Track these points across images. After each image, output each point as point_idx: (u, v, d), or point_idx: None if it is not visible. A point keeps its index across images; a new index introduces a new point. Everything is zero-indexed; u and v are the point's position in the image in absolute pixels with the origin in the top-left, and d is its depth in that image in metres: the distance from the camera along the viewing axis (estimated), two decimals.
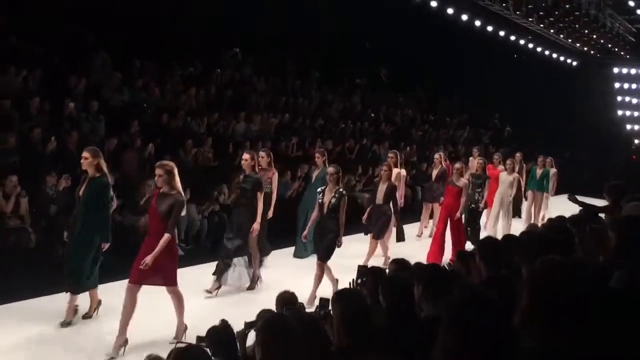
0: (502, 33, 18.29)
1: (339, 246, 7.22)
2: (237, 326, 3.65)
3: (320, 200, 7.32)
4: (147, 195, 8.90)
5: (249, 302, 6.76)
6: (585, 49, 20.85)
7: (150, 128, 10.88)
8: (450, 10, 16.14)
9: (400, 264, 4.34)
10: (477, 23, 17.06)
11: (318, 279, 7.17)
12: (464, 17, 16.58)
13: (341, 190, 7.32)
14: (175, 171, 5.79)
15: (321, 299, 3.93)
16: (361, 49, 18.40)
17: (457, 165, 9.78)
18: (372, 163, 14.19)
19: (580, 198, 8.06)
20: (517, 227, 11.50)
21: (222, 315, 4.33)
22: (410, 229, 10.86)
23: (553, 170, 13.65)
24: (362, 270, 3.95)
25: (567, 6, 15.64)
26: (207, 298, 7.19)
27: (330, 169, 7.44)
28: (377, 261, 8.57)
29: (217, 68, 14.24)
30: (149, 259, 5.44)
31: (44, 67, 10.45)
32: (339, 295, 3.37)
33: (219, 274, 7.39)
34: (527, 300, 2.27)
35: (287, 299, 4.28)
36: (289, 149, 13.03)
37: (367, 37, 18.51)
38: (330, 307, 3.69)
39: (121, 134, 10.11)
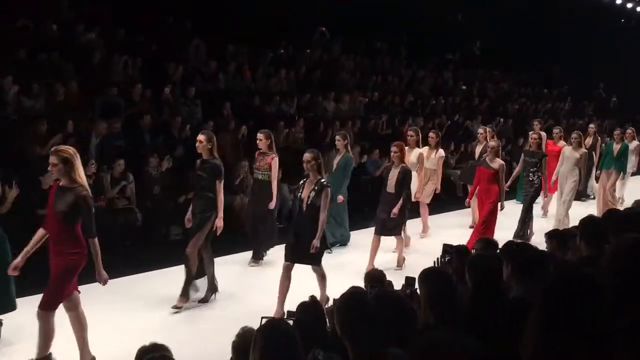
0: None
1: (315, 248, 5.83)
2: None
3: (299, 194, 6.00)
4: (241, 175, 9.29)
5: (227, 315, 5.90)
6: None
7: (244, 110, 11.24)
8: None
9: (487, 242, 4.27)
10: None
11: (322, 281, 6.11)
12: None
13: (323, 181, 5.92)
14: (77, 159, 4.58)
15: (407, 278, 3.96)
16: (451, 23, 17.87)
17: (493, 142, 8.43)
18: (465, 139, 13.88)
19: None
20: (581, 212, 9.95)
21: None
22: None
23: (635, 144, 11.81)
24: (447, 248, 3.92)
25: None
26: (174, 314, 6.05)
27: (307, 155, 5.96)
28: (382, 260, 7.52)
29: (307, 49, 14.39)
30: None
31: (144, 55, 11.04)
32: (425, 273, 3.38)
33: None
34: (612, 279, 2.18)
35: (374, 277, 4.32)
36: (378, 127, 13.01)
37: (458, 10, 17.94)
38: (416, 285, 3.71)
39: (216, 117, 10.52)
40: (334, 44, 15.21)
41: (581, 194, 11.80)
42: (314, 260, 5.99)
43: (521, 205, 9.27)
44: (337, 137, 8.46)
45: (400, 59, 16.54)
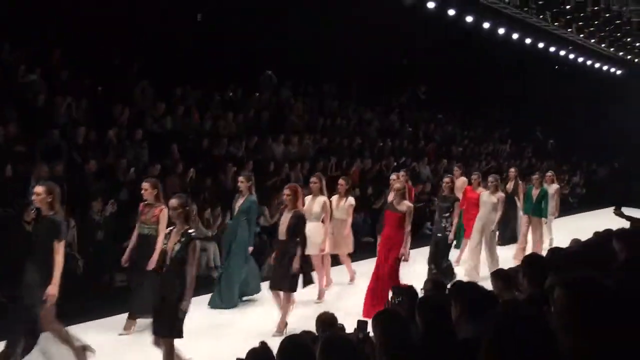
0: (541, 45, 18.05)
1: (182, 313, 5.05)
2: None
3: (164, 246, 5.23)
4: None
5: None
6: (629, 57, 20.35)
7: (192, 153, 11.13)
8: (486, 25, 16.05)
9: (435, 283, 4.30)
10: (515, 36, 16.90)
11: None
12: (501, 31, 16.46)
13: (191, 231, 5.13)
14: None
15: (359, 322, 3.92)
16: (398, 68, 18.42)
17: (397, 184, 7.77)
18: (412, 180, 14.13)
19: (629, 212, 7.79)
20: (507, 255, 10.16)
21: None
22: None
23: (554, 187, 11.81)
24: (397, 290, 3.93)
25: (607, 15, 15.32)
26: None
27: (173, 202, 5.23)
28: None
29: (255, 92, 14.49)
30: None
31: (89, 97, 10.84)
32: (379, 316, 3.36)
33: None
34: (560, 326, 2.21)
35: (326, 320, 4.26)
36: (327, 169, 13.10)
37: (403, 54, 18.53)
38: (368, 330, 3.68)
39: (164, 159, 10.37)
40: (283, 87, 15.38)
41: (510, 239, 11.82)
42: (171, 330, 5.01)
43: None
44: (240, 179, 7.68)
45: (348, 102, 16.85)
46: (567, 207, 16.82)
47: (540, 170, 14.02)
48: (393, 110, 18.10)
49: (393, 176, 9.92)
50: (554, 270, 4.01)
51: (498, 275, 4.59)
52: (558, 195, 11.85)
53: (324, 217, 7.97)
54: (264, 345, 3.76)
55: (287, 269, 6.68)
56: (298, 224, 6.76)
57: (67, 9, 11.49)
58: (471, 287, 3.89)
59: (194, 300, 5.59)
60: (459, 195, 10.17)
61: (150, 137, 10.89)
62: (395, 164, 14.62)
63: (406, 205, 7.48)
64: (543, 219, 11.00)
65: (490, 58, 18.84)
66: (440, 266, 8.47)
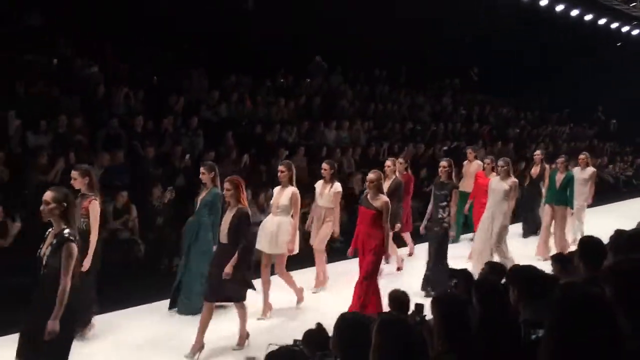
0: (602, 21, 17.35)
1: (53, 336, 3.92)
2: None
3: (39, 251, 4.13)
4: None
5: None
6: None
7: (245, 139, 11.30)
8: (543, 2, 15.53)
9: (493, 266, 4.24)
10: (575, 13, 16.30)
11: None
12: (559, 8, 15.91)
13: (66, 232, 4.04)
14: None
15: (416, 304, 3.91)
16: (450, 50, 18.07)
17: (371, 175, 6.48)
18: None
19: None
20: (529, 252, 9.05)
21: None
22: None
23: (589, 171, 10.22)
24: (453, 272, 3.89)
25: None
26: None
27: (48, 194, 4.11)
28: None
29: (306, 78, 14.55)
30: None
31: (146, 87, 11.15)
32: (439, 298, 3.33)
33: None
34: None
35: (397, 299, 4.14)
36: (379, 155, 13.06)
37: (455, 36, 18.15)
38: (425, 313, 3.67)
39: (218, 146, 10.58)
40: (334, 73, 15.37)
41: (534, 232, 10.76)
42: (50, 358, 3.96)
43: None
44: (202, 170, 6.59)
45: (399, 86, 16.69)
46: (616, 194, 16.12)
47: (600, 153, 13.23)
48: (445, 93, 17.82)
49: (388, 162, 8.46)
50: (615, 253, 3.89)
51: (557, 258, 4.49)
52: (594, 181, 10.34)
53: (293, 211, 6.77)
54: (319, 326, 3.82)
55: (232, 279, 5.56)
56: (240, 223, 5.58)
57: (125, 2, 11.82)
58: (529, 270, 3.83)
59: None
60: (471, 182, 9.54)
61: (204, 125, 11.12)
62: (445, 148, 14.37)
63: (382, 200, 6.34)
64: (569, 208, 9.52)
65: (548, 37, 18.24)
66: (437, 265, 7.29)
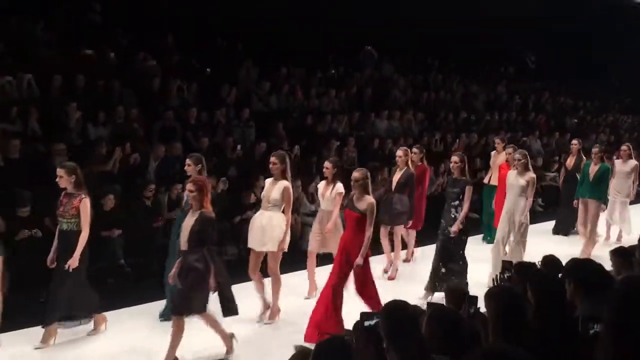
0: None
1: None
2: None
3: None
4: (295, 195, 9.33)
5: None
6: None
7: (296, 130, 11.36)
8: None
9: (550, 259, 4.12)
10: None
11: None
12: None
13: None
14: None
15: (469, 297, 3.83)
16: (504, 37, 17.61)
17: (355, 173, 5.84)
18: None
19: None
20: (567, 250, 7.71)
21: None
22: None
23: (631, 164, 9.51)
24: (507, 265, 3.79)
25: None
26: None
27: None
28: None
29: (357, 68, 14.48)
30: None
31: (199, 79, 11.35)
32: (494, 292, 3.26)
33: None
34: None
35: (455, 293, 4.03)
36: (432, 145, 12.88)
37: (508, 23, 17.67)
38: (479, 305, 3.60)
39: (269, 137, 10.67)
40: (385, 63, 15.23)
41: (565, 229, 10.12)
42: None
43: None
44: (188, 162, 6.16)
45: (452, 75, 16.39)
46: None
47: None
48: (500, 81, 17.38)
49: (399, 152, 7.88)
50: None
51: (617, 252, 4.33)
52: (637, 174, 9.63)
53: (285, 207, 6.21)
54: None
55: (189, 288, 5.11)
56: (204, 230, 5.08)
57: None
58: (586, 264, 3.71)
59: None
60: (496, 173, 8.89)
61: (256, 116, 11.23)
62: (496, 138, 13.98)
63: (367, 201, 5.72)
64: (602, 205, 8.82)
65: (607, 22, 17.50)
66: (452, 268, 6.74)
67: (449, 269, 6.73)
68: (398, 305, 2.88)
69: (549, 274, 3.48)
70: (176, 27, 11.98)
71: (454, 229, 6.67)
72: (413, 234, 8.52)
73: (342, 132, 12.05)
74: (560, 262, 4.12)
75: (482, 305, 3.38)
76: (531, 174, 7.45)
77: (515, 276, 3.69)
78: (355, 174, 5.82)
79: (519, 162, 7.41)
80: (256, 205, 7.95)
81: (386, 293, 5.69)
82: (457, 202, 6.75)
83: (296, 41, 13.36)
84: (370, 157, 11.57)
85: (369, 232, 5.70)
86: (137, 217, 8.02)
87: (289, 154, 7.00)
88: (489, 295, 3.20)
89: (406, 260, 8.48)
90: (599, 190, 8.73)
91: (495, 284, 4.12)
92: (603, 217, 9.31)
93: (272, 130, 10.98)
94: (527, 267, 3.81)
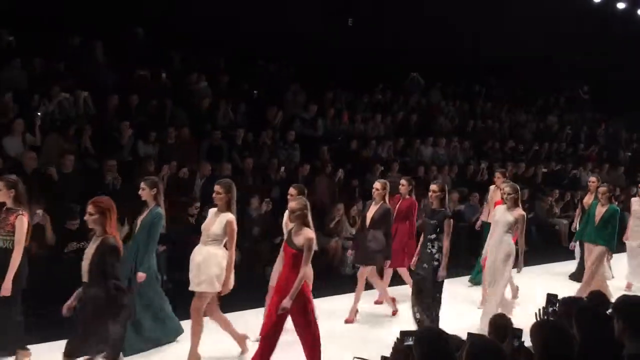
0: None
1: None
2: None
3: None
4: (337, 218, 9.35)
5: None
6: None
7: (340, 154, 11.40)
8: None
9: (597, 294, 3.97)
10: None
11: None
12: None
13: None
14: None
15: (513, 329, 3.70)
16: (556, 67, 17.31)
17: (292, 203, 5.20)
18: (571, 188, 13.26)
19: None
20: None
21: None
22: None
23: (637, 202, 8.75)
24: (552, 298, 3.68)
25: None
26: None
27: None
28: None
29: (404, 94, 14.49)
30: None
31: (247, 101, 11.56)
32: (541, 325, 3.17)
33: None
34: None
35: (499, 325, 3.92)
36: (478, 174, 12.69)
37: (561, 53, 17.39)
38: (523, 339, 3.50)
39: (313, 160, 10.74)
40: (433, 89, 15.18)
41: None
42: None
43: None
44: (142, 185, 5.81)
45: (501, 103, 16.19)
46: None
47: None
48: (551, 111, 17.06)
49: (377, 184, 7.07)
50: None
51: None
52: None
53: (227, 241, 5.60)
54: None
55: (91, 323, 4.41)
56: (104, 259, 4.37)
57: (229, 19, 12.36)
58: (637, 302, 3.56)
59: None
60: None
61: (301, 139, 11.34)
62: (544, 170, 13.64)
63: (304, 236, 5.03)
64: (608, 251, 7.85)
65: None
66: (427, 309, 6.12)
67: (425, 310, 6.14)
68: (431, 333, 2.83)
69: (596, 309, 3.35)
70: (227, 50, 12.28)
71: (441, 273, 6.09)
72: (405, 272, 7.69)
73: (387, 157, 12.03)
74: (608, 298, 3.97)
75: (526, 339, 3.29)
76: (520, 211, 6.74)
77: (561, 310, 3.58)
78: (292, 204, 5.13)
79: (509, 197, 6.72)
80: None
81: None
82: (433, 236, 6.15)
83: (343, 66, 13.48)
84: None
85: (302, 272, 4.96)
86: (180, 234, 8.16)
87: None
88: (534, 329, 3.11)
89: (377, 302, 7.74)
90: (605, 234, 7.78)
91: (539, 318, 4.00)
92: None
93: (316, 153, 11.06)
94: (573, 302, 3.69)
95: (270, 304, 5.27)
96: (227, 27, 12.38)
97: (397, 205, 7.43)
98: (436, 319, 6.16)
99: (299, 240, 5.02)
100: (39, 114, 8.82)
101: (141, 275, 5.64)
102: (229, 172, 9.41)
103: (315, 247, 5.07)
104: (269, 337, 5.09)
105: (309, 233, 5.04)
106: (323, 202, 10.00)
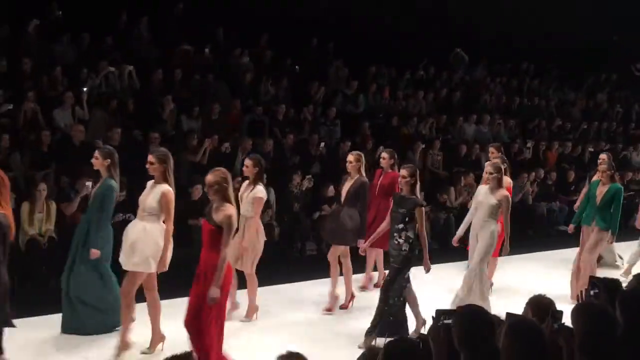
0: None
1: None
2: None
3: None
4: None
5: None
6: None
7: (381, 131, 11.32)
8: None
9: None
10: None
11: None
12: None
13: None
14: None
15: (554, 311, 3.64)
16: (606, 44, 16.62)
17: (210, 176, 4.70)
18: (621, 168, 12.81)
19: None
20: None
21: None
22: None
23: None
24: (595, 281, 3.59)
25: None
26: None
27: None
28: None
29: (448, 70, 14.21)
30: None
31: (289, 76, 11.55)
32: (583, 308, 3.11)
33: None
34: None
35: (541, 305, 3.83)
36: (522, 152, 12.42)
37: (613, 28, 16.67)
38: (563, 320, 3.44)
39: (354, 136, 10.70)
40: (479, 66, 14.83)
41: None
42: None
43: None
44: (96, 154, 5.56)
45: (549, 81, 15.71)
46: None
47: None
48: (601, 89, 16.46)
49: (350, 157, 6.54)
50: None
51: None
52: None
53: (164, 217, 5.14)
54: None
55: None
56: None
57: None
58: None
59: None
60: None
61: (342, 115, 11.30)
62: (591, 149, 13.17)
63: (224, 212, 4.51)
64: (610, 233, 7.10)
65: None
66: (387, 301, 5.56)
67: (385, 302, 5.56)
68: (474, 310, 2.82)
69: (638, 292, 3.27)
70: (270, 25, 12.24)
71: (427, 269, 5.63)
72: (380, 255, 7.18)
73: (428, 134, 11.88)
74: None
75: (565, 321, 3.23)
76: (504, 192, 6.22)
77: (603, 294, 3.50)
78: (209, 177, 4.61)
79: (491, 177, 6.19)
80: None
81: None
82: (401, 226, 5.52)
83: (386, 41, 13.28)
84: (456, 161, 11.34)
85: (223, 253, 4.47)
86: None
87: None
88: (577, 311, 3.05)
89: (377, 285, 7.01)
90: (606, 216, 7.07)
91: (581, 300, 3.91)
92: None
93: (357, 129, 11.00)
94: (617, 284, 3.60)
95: (191, 290, 4.65)
96: (270, 2, 12.34)
97: (380, 181, 6.93)
98: (402, 304, 5.64)
99: (218, 216, 4.52)
100: (84, 89, 9.04)
101: (94, 252, 5.37)
102: (270, 148, 9.48)
103: (236, 225, 4.67)
104: (195, 325, 4.50)
105: (230, 209, 4.54)
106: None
